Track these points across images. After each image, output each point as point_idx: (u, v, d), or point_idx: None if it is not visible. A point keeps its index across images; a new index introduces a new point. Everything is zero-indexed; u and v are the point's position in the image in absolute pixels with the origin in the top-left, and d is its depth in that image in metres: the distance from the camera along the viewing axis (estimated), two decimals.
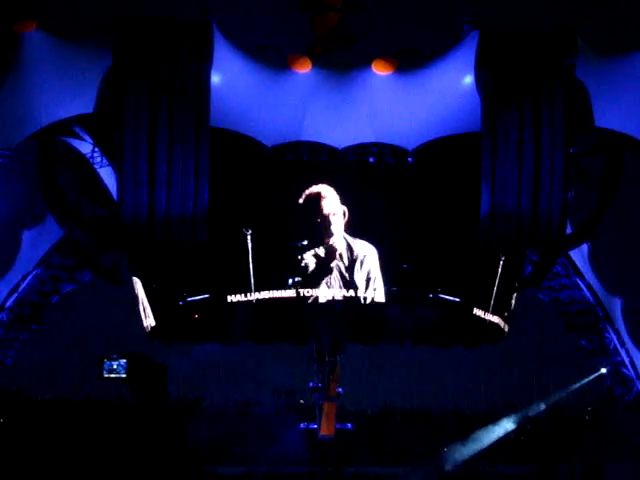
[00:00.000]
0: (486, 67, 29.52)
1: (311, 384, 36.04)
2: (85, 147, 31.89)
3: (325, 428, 36.87)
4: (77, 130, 31.28)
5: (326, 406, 36.66)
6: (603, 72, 30.26)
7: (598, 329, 38.53)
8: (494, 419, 42.34)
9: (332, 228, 32.06)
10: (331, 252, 32.07)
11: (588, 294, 38.05)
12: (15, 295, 36.40)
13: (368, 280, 32.17)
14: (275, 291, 32.00)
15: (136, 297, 34.90)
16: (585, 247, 36.81)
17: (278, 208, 32.08)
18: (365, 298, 32.11)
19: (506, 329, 35.23)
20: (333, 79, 31.18)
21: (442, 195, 32.14)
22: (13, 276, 36.09)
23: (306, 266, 32.01)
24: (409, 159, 32.09)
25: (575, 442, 37.73)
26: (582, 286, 38.03)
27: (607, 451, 37.55)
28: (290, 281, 31.91)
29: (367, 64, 30.95)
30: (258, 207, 32.11)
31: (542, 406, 41.43)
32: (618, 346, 38.33)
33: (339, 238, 32.09)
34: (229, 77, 30.13)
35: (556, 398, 42.15)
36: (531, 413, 42.48)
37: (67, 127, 30.75)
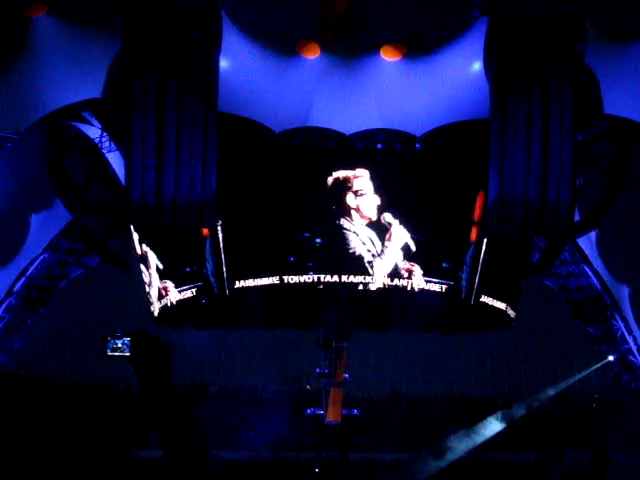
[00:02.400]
0: (495, 53, 29.42)
1: (318, 370, 36.05)
2: (93, 132, 31.90)
3: (331, 414, 36.92)
4: (85, 115, 31.30)
5: (333, 392, 36.70)
6: (612, 58, 30.15)
7: (605, 317, 38.48)
8: (500, 406, 42.38)
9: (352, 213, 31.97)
10: (343, 237, 32.02)
11: (596, 281, 37.99)
12: (23, 279, 36.51)
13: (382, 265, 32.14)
14: (285, 276, 32.01)
15: (143, 281, 34.92)
16: (593, 234, 36.72)
17: (285, 193, 32.06)
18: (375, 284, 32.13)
19: (513, 316, 35.20)
20: (342, 65, 31.12)
21: (450, 182, 32.07)
22: (21, 260, 36.18)
23: (318, 251, 32.02)
24: (417, 145, 32.06)
25: (582, 429, 37.71)
26: (590, 273, 37.97)
27: (614, 438, 37.52)
28: (301, 265, 31.94)
29: (376, 50, 30.89)
30: (265, 192, 32.10)
31: (550, 392, 41.42)
32: (626, 334, 38.28)
33: (358, 224, 31.99)
34: (237, 62, 30.11)
35: (563, 386, 42.15)
36: (537, 402, 42.49)
37: (76, 112, 30.78)
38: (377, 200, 31.86)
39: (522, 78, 29.28)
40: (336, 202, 31.95)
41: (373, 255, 32.05)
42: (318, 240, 32.12)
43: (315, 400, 38.99)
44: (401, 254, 32.01)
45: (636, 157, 32.24)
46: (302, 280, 32.06)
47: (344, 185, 31.92)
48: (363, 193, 31.89)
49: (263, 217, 32.02)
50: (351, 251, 31.99)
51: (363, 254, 31.98)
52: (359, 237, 32.05)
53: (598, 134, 32.23)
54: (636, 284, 38.00)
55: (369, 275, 32.00)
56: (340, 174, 31.87)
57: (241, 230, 31.93)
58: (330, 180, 31.79)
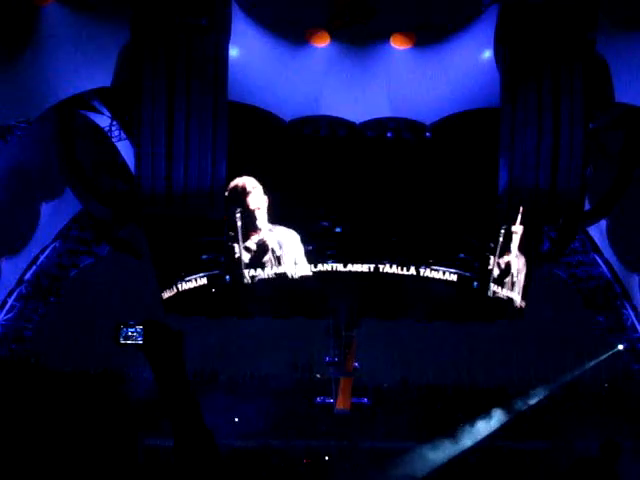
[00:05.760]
0: (506, 41, 29.29)
1: (327, 359, 36.12)
2: (103, 121, 31.95)
3: (341, 402, 37.01)
4: (95, 103, 31.34)
5: (342, 381, 36.79)
6: (624, 47, 29.99)
7: (615, 306, 38.40)
8: (510, 396, 42.40)
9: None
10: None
11: (606, 270, 37.91)
12: (34, 268, 36.61)
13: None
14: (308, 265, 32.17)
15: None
16: (603, 223, 36.62)
17: (296, 181, 32.09)
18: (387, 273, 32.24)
19: (523, 305, 35.17)
20: (351, 53, 31.06)
21: (460, 170, 32.04)
22: (32, 249, 36.27)
23: (340, 236, 32.15)
24: (427, 134, 32.03)
25: (592, 418, 37.70)
26: (600, 262, 37.89)
27: (624, 427, 37.52)
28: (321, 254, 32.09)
29: (386, 38, 30.82)
30: (275, 180, 32.14)
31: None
32: (636, 322, 38.20)
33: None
34: (247, 50, 30.08)
35: (573, 375, 42.15)
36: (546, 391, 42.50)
37: (85, 100, 30.81)
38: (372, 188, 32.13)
39: (533, 66, 29.16)
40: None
41: None
42: (338, 229, 32.26)
43: (325, 389, 39.11)
44: None
45: None
46: (324, 269, 32.15)
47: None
48: None
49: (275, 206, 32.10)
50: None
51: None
52: None
53: (609, 122, 32.12)
54: None
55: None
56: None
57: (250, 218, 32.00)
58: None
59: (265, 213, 32.10)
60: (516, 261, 33.99)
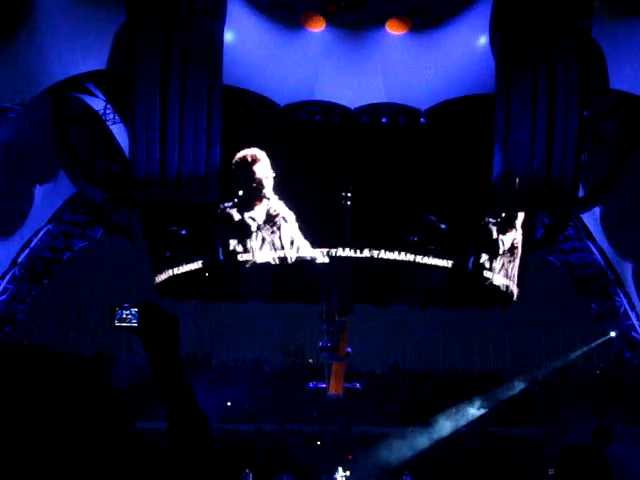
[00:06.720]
0: (501, 28, 29.25)
1: (321, 343, 36.18)
2: (98, 104, 31.86)
3: (334, 387, 37.12)
4: (90, 86, 31.24)
5: (335, 366, 36.87)
6: (619, 33, 29.96)
7: (609, 292, 38.49)
8: (503, 381, 42.57)
9: None
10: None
11: (599, 257, 37.97)
12: (27, 250, 36.52)
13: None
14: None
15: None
16: (597, 210, 36.68)
17: (291, 167, 32.11)
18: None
19: (516, 292, 35.27)
20: (347, 38, 31.00)
21: (454, 156, 32.03)
22: (25, 231, 36.18)
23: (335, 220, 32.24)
24: (422, 120, 32.02)
25: (583, 405, 37.86)
26: (593, 249, 37.95)
27: (616, 414, 37.69)
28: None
29: (381, 24, 30.75)
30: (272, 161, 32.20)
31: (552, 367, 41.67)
32: (628, 310, 38.29)
33: None
34: (242, 35, 30.00)
35: (565, 361, 42.34)
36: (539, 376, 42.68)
37: (80, 83, 30.72)
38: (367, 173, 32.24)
39: (528, 53, 29.14)
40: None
41: None
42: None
43: (317, 373, 39.20)
44: None
45: None
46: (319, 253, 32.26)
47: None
48: None
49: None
50: None
51: None
52: None
53: (603, 110, 32.12)
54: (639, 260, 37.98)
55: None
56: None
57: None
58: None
59: (272, 183, 32.13)
60: (519, 238, 34.27)
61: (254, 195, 32.12)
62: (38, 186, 35.54)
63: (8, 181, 33.22)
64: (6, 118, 31.17)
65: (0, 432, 2.28)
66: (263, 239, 32.22)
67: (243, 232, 32.30)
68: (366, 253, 32.18)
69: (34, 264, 36.89)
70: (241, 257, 32.35)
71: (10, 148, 32.59)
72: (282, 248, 32.27)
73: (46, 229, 36.70)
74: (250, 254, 32.26)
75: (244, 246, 32.32)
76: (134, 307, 3.62)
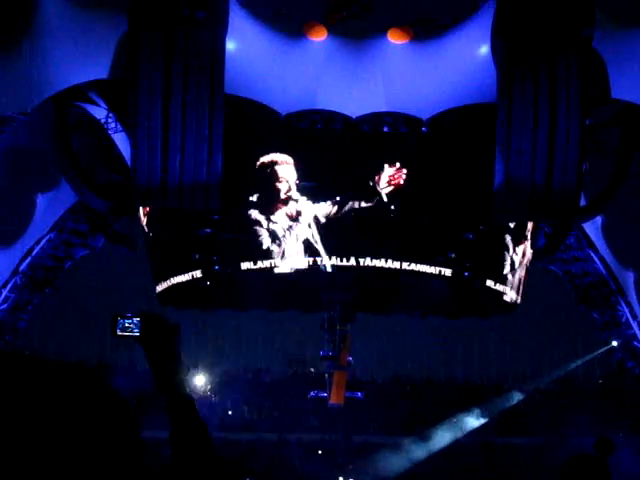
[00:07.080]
0: (502, 36, 29.26)
1: (322, 352, 36.13)
2: (100, 112, 31.90)
3: (335, 397, 37.03)
4: (92, 95, 31.28)
5: (336, 375, 36.81)
6: (621, 43, 29.99)
7: (610, 302, 38.43)
8: (504, 390, 42.53)
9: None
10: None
11: (601, 267, 37.93)
12: (29, 259, 36.52)
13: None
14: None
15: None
16: (599, 219, 36.67)
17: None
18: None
19: (518, 301, 35.23)
20: (348, 47, 31.04)
21: (456, 165, 32.05)
22: (27, 240, 36.19)
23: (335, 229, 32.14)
24: (423, 129, 32.03)
25: (585, 414, 37.82)
26: (595, 259, 37.91)
27: (618, 423, 37.66)
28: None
29: (383, 33, 30.80)
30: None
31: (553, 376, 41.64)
32: (630, 319, 38.25)
33: None
34: (244, 44, 30.03)
35: (566, 370, 42.28)
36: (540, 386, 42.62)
37: (82, 92, 30.75)
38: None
39: (529, 62, 29.15)
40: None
41: None
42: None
43: (318, 383, 39.16)
44: None
45: None
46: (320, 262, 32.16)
47: None
48: None
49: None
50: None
51: None
52: None
53: (605, 119, 32.13)
54: None
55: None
56: None
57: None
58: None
59: (295, 186, 31.97)
60: (528, 248, 34.33)
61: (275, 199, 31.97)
62: (40, 195, 35.56)
63: (10, 189, 33.26)
64: (8, 127, 31.22)
65: (5, 443, 2.26)
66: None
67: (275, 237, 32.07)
68: (366, 262, 32.13)
69: (36, 273, 36.88)
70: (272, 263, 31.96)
71: (12, 156, 32.64)
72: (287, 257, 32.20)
73: (48, 238, 36.70)
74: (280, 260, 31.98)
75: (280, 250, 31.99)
76: (136, 316, 3.62)
